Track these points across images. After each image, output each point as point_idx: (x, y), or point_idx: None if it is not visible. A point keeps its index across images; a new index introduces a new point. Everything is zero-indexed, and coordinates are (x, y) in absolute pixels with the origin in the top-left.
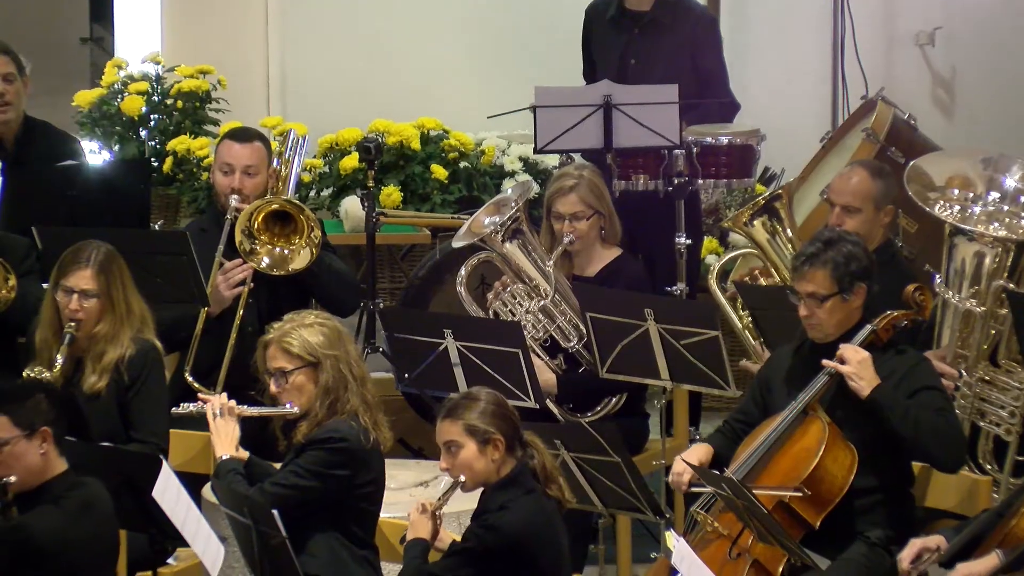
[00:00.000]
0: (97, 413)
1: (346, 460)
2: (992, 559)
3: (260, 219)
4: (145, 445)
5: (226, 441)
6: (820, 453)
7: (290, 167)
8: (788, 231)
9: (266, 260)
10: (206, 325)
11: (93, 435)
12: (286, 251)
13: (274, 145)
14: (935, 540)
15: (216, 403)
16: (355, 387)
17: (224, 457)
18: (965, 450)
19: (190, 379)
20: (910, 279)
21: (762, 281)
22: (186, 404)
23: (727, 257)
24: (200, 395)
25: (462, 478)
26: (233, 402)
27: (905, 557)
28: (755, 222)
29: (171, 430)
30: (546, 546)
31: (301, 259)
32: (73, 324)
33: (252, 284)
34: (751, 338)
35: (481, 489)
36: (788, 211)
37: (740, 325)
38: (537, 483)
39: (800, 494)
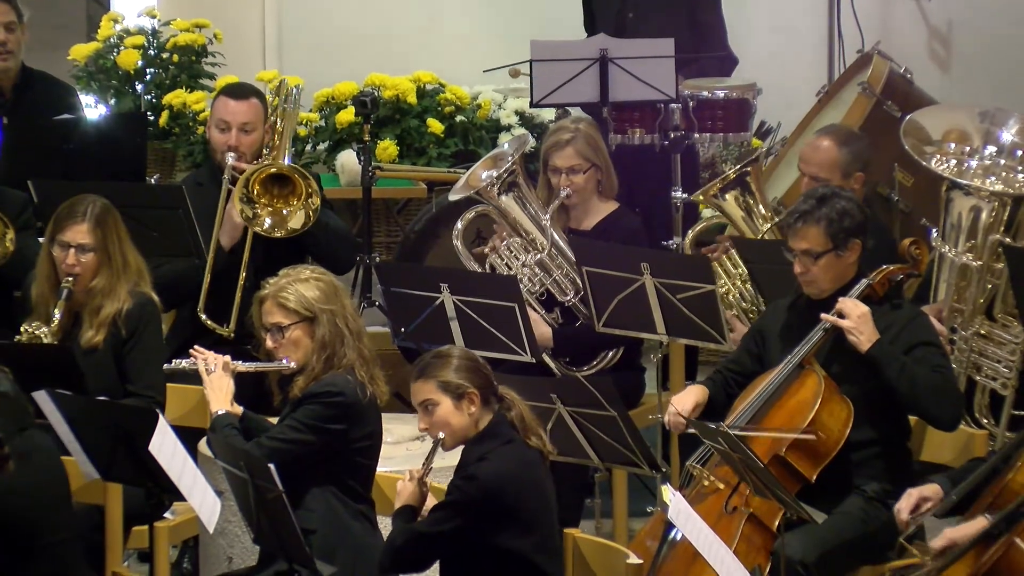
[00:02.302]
0: (94, 367)
1: (343, 414)
2: (980, 522)
3: (257, 183)
4: (141, 399)
5: (220, 396)
6: (816, 407)
7: (287, 121)
8: (760, 204)
9: (268, 222)
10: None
11: (89, 389)
12: (285, 211)
13: (268, 99)
14: (931, 489)
15: (210, 359)
16: (351, 341)
17: (219, 412)
18: (962, 408)
19: (203, 316)
20: (889, 242)
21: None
22: (178, 360)
23: (700, 226)
24: (193, 351)
25: (442, 435)
26: (227, 357)
27: (904, 507)
28: (727, 195)
29: (167, 384)
30: (529, 494)
31: (298, 219)
32: (70, 279)
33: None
34: (728, 308)
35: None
36: (758, 182)
37: (719, 293)
38: (516, 434)
39: (812, 437)
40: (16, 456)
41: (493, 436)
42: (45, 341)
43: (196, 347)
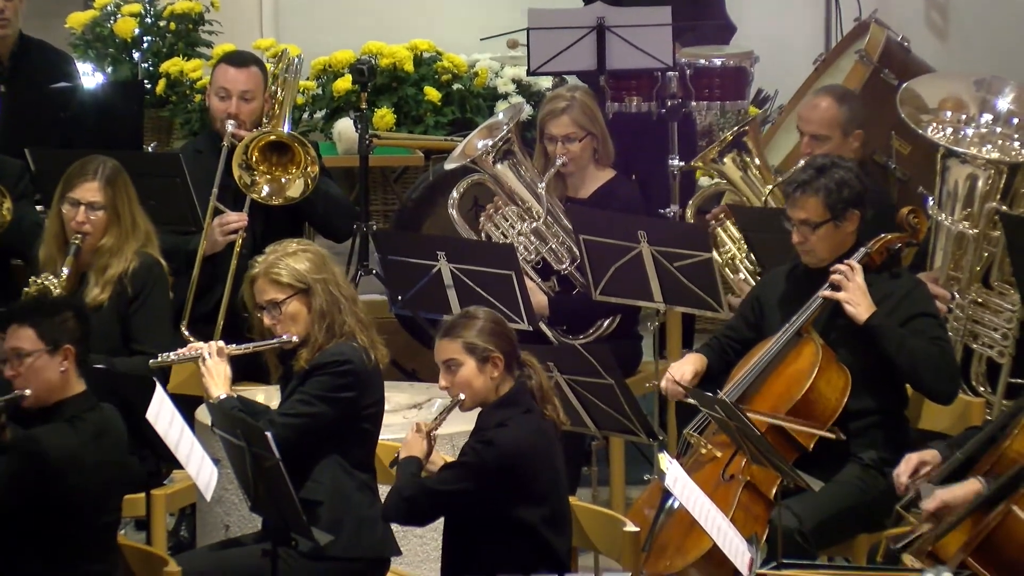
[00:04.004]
0: (98, 326)
1: (352, 382)
2: (973, 484)
3: (256, 151)
4: (147, 356)
5: (219, 381)
6: (813, 375)
7: (287, 90)
8: (757, 160)
9: (266, 189)
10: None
11: (92, 348)
12: (284, 179)
13: (268, 68)
14: (930, 454)
15: (203, 349)
16: (348, 307)
17: (221, 397)
18: (959, 381)
19: (186, 333)
20: (888, 203)
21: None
22: (165, 355)
23: (700, 194)
24: (189, 339)
25: (461, 396)
26: (222, 343)
27: (903, 471)
28: (725, 159)
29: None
30: (543, 465)
31: (297, 187)
32: (79, 236)
33: (246, 226)
34: (731, 273)
35: (478, 410)
36: (756, 143)
37: (720, 261)
38: (535, 403)
39: (834, 436)
40: (94, 432)
41: (513, 403)
42: (55, 293)
43: (195, 345)
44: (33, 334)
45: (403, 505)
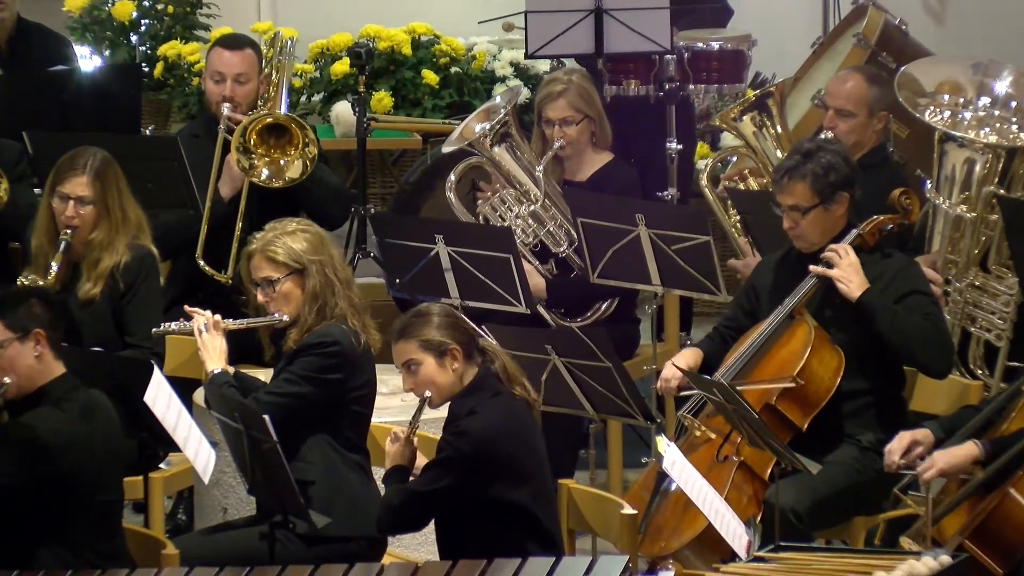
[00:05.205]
0: (91, 320)
1: (339, 363)
2: (969, 448)
3: (254, 134)
4: (140, 350)
5: (214, 355)
6: (806, 355)
7: (282, 72)
8: (778, 127)
9: (265, 172)
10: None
11: (86, 342)
12: (283, 161)
13: (263, 50)
14: (922, 433)
15: (200, 320)
16: (341, 291)
17: (215, 371)
18: (953, 356)
19: (202, 263)
20: (901, 183)
21: (751, 181)
22: (167, 324)
23: (717, 157)
24: (186, 309)
25: (428, 394)
26: (218, 316)
27: (895, 449)
28: (744, 117)
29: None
30: (520, 444)
31: (296, 168)
32: (68, 231)
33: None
34: (737, 236)
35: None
36: (780, 109)
37: (728, 224)
38: (502, 385)
39: (793, 384)
40: (81, 411)
41: (480, 389)
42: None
43: (187, 308)
44: (1, 325)
45: (394, 514)
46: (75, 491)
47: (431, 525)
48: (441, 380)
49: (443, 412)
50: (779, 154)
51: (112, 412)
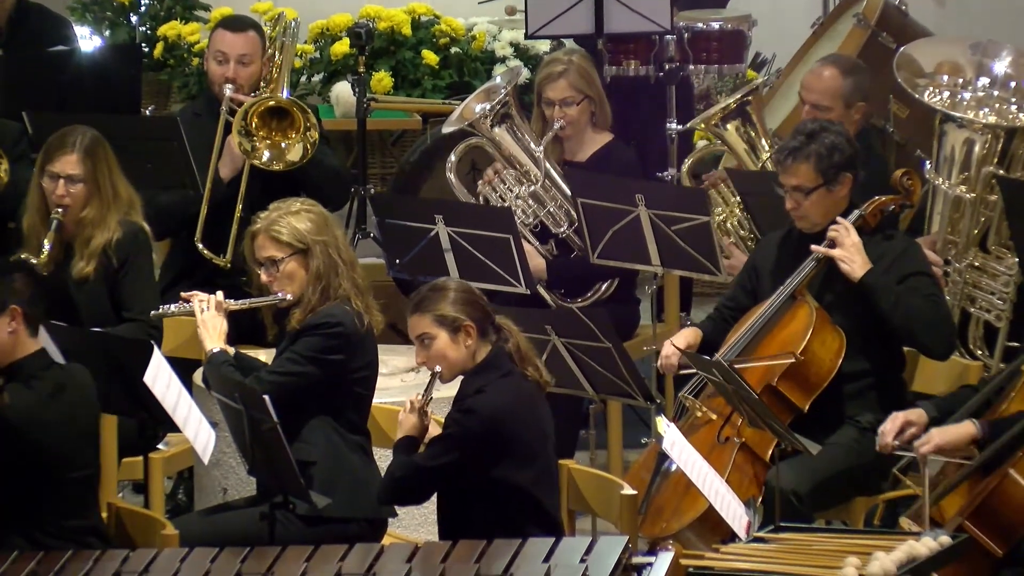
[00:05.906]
0: (87, 298)
1: (342, 344)
2: (967, 427)
3: (256, 116)
4: (138, 323)
5: (214, 335)
6: (807, 336)
7: (285, 53)
8: (758, 126)
9: (267, 154)
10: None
11: (83, 320)
12: (284, 144)
13: (266, 31)
14: (916, 413)
15: (202, 300)
16: (345, 271)
17: (215, 350)
18: (955, 337)
19: (200, 246)
20: (884, 172)
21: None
22: (166, 306)
23: (696, 155)
24: (183, 295)
25: (439, 369)
26: (220, 296)
27: (888, 431)
28: (728, 125)
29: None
30: (527, 426)
31: (297, 152)
32: (60, 210)
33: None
34: (721, 235)
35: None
36: (758, 110)
37: (718, 220)
38: (514, 366)
39: (793, 360)
40: (51, 389)
41: (491, 368)
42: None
43: (183, 294)
44: None
45: (395, 485)
46: (45, 469)
47: (432, 505)
48: (453, 356)
49: (453, 391)
50: (763, 154)
51: (88, 390)
